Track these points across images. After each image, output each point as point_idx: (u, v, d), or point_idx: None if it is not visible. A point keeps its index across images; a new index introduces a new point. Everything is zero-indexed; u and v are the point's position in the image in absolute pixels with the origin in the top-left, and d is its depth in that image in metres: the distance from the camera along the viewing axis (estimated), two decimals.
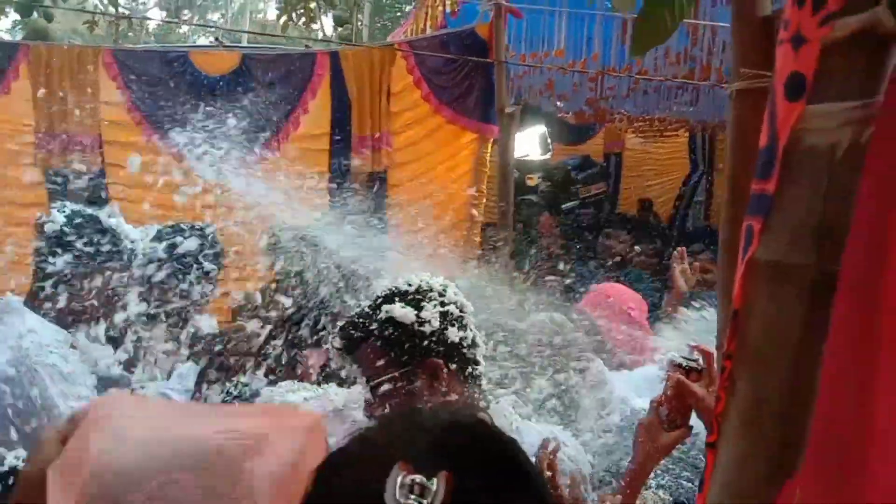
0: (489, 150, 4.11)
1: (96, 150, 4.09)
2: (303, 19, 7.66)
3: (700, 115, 6.40)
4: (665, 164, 8.47)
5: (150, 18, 17.95)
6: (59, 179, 4.12)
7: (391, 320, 1.58)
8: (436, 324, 1.59)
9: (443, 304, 1.62)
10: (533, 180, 4.73)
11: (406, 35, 6.79)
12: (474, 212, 4.11)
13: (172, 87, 4.02)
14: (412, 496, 0.68)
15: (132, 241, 2.35)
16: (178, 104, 4.04)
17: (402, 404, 1.57)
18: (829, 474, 0.73)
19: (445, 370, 1.57)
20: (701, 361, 1.60)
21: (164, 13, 21.15)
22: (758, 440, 0.81)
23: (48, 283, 2.29)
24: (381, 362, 1.57)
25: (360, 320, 1.60)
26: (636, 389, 2.27)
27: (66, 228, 2.26)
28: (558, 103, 6.04)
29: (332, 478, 0.77)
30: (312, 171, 4.41)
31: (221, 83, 4.02)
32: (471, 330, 1.62)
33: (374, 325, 1.58)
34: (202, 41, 23.49)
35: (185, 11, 21.44)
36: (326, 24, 11.60)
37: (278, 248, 4.23)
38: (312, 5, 7.50)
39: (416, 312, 1.59)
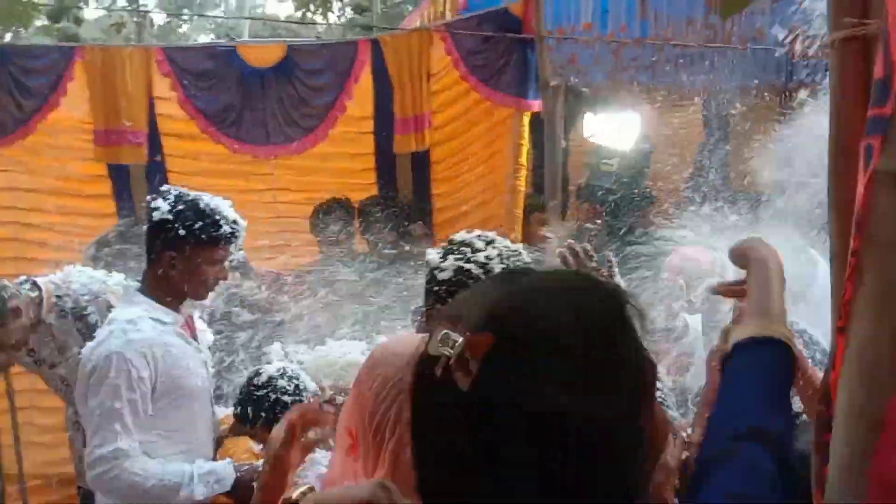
0: (526, 123, 4.28)
1: (155, 142, 4.29)
2: (320, 9, 7.87)
3: (714, 83, 6.51)
4: (679, 133, 8.59)
5: (180, 16, 18.07)
6: (121, 172, 4.33)
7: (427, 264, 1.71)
8: (447, 275, 1.65)
9: (467, 260, 1.65)
10: (611, 166, 4.79)
11: (424, 18, 6.93)
12: (516, 182, 4.28)
13: (222, 79, 4.20)
14: (444, 347, 0.73)
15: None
16: (230, 95, 4.23)
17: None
18: None
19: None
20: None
21: (163, 13, 21.24)
22: (884, 320, 1.00)
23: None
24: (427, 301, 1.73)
25: None
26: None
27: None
28: (572, 78, 6.16)
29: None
30: (359, 152, 4.61)
31: (269, 74, 4.21)
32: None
33: None
34: (203, 38, 23.55)
35: (185, 10, 21.52)
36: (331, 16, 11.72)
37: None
38: None
39: (439, 259, 1.69)
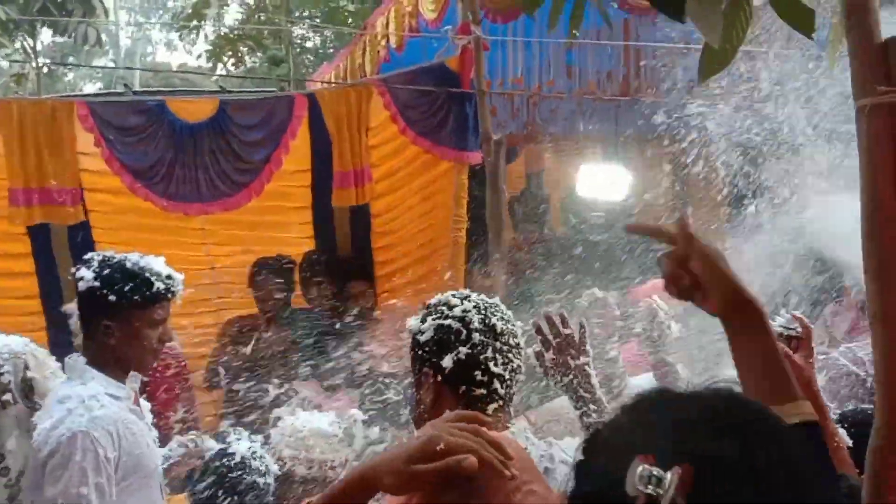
0: (466, 176, 4.32)
1: (77, 201, 4.05)
2: (231, 60, 7.74)
3: (618, 130, 6.83)
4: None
5: (93, 66, 17.21)
6: (40, 231, 4.07)
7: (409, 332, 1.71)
8: (428, 336, 1.65)
9: (445, 317, 1.65)
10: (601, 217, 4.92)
11: (340, 71, 6.94)
12: (458, 235, 4.30)
13: (152, 134, 4.04)
14: (649, 486, 0.72)
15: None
16: (159, 151, 4.07)
17: (416, 412, 1.66)
18: None
19: (435, 383, 1.61)
20: (799, 329, 1.84)
21: (48, 61, 20.33)
22: None
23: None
24: (414, 368, 1.72)
25: None
26: None
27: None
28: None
29: (586, 459, 0.86)
30: (297, 206, 4.52)
31: (201, 128, 4.08)
32: (476, 348, 1.61)
33: None
34: (89, 88, 22.65)
35: (71, 58, 20.71)
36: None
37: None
38: (242, 48, 7.59)
39: (419, 323, 1.68)
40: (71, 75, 21.77)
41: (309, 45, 14.20)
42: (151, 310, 2.26)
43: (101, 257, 2.28)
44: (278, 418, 2.96)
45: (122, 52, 22.45)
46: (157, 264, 2.29)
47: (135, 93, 7.69)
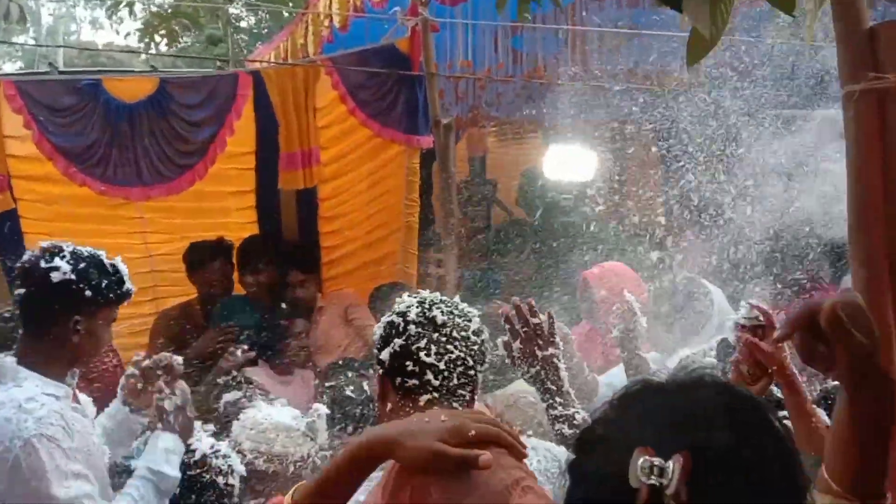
0: (418, 160, 4.26)
1: (5, 188, 3.82)
2: (165, 40, 7.44)
3: (552, 117, 6.88)
4: (525, 164, 8.98)
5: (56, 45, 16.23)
6: None
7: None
8: (377, 333, 1.69)
9: (391, 314, 1.69)
10: (570, 200, 4.87)
11: (280, 51, 6.76)
12: (410, 220, 4.23)
13: (86, 115, 3.83)
14: (652, 477, 0.74)
15: None
16: (95, 132, 3.87)
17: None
18: None
19: (381, 377, 1.66)
20: (761, 318, 1.86)
21: None
22: None
23: None
24: None
25: None
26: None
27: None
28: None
29: (581, 458, 0.86)
30: (240, 189, 4.38)
31: (140, 108, 3.89)
32: (410, 339, 1.63)
33: None
34: (9, 67, 21.62)
35: None
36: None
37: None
38: (176, 26, 7.29)
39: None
40: None
41: (243, 24, 13.82)
42: (114, 310, 2.23)
43: (71, 249, 2.18)
44: (240, 409, 2.89)
45: (44, 30, 21.42)
46: (119, 262, 2.25)
47: (61, 72, 7.32)
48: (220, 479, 2.28)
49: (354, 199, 4.41)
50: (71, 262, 2.14)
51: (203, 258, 4.07)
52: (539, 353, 2.01)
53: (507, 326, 2.07)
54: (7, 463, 1.97)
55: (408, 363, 1.61)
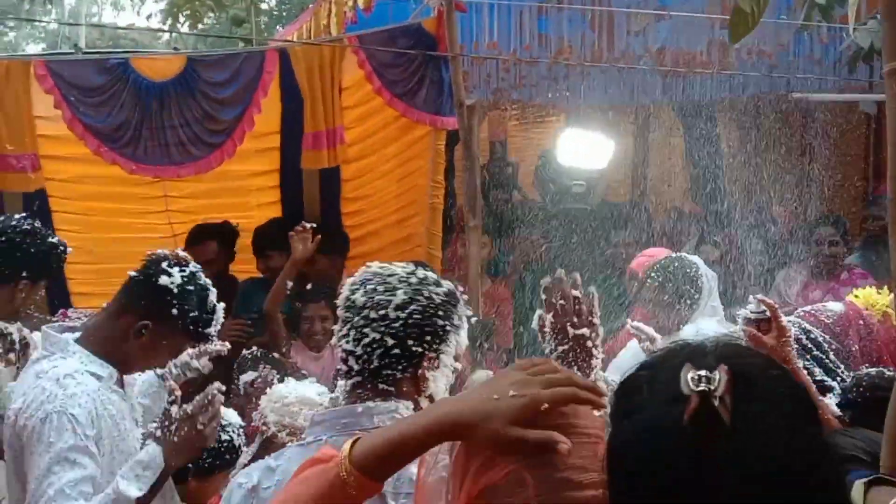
0: (444, 141, 4.24)
1: (37, 166, 3.86)
2: (188, 21, 7.45)
3: (577, 99, 6.83)
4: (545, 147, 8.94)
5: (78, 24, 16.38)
6: None
7: None
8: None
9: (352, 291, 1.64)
10: (582, 186, 4.83)
11: (303, 32, 6.75)
12: (435, 201, 4.23)
13: (116, 95, 3.85)
14: (700, 384, 0.82)
15: None
16: (124, 112, 3.89)
17: None
18: None
19: None
20: (766, 312, 1.85)
21: None
22: None
23: None
24: None
25: None
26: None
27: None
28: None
29: (623, 403, 0.91)
30: (264, 169, 4.39)
31: (169, 87, 3.90)
32: (340, 327, 1.62)
33: None
34: (33, 48, 21.76)
35: (11, 15, 19.79)
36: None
37: None
38: (200, 7, 7.29)
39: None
40: (12, 35, 20.83)
41: (265, 6, 13.83)
42: (186, 341, 2.20)
43: (195, 269, 2.18)
44: (256, 388, 2.93)
45: (66, 12, 21.54)
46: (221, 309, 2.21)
47: (85, 53, 7.37)
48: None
49: (379, 179, 4.41)
50: (185, 278, 2.13)
51: (199, 237, 4.06)
52: (570, 331, 1.86)
53: (544, 298, 1.91)
54: (27, 430, 1.99)
55: (338, 350, 1.61)
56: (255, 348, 3.38)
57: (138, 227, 4.31)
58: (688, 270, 3.03)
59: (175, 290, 2.11)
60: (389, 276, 1.60)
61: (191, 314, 2.12)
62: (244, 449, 2.56)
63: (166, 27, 7.22)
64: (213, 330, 2.18)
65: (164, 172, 3.99)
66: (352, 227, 4.53)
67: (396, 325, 1.56)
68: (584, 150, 5.08)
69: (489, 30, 4.89)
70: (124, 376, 2.26)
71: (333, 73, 4.07)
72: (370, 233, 4.53)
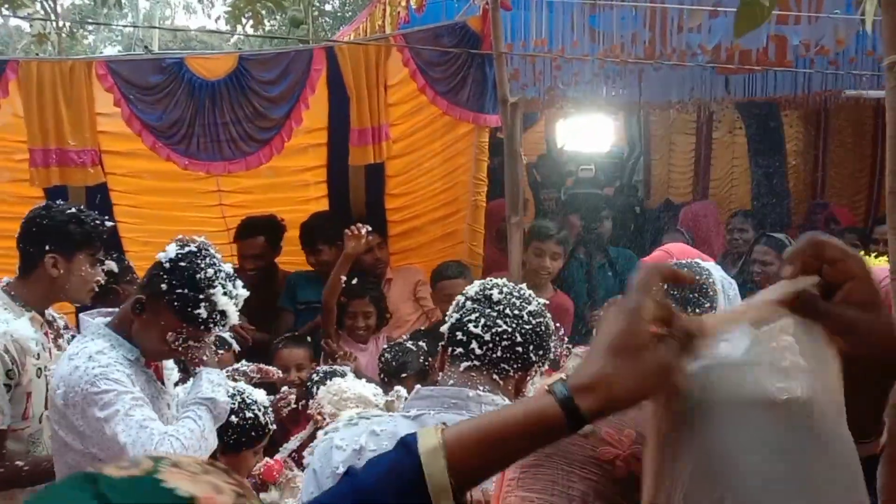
0: (487, 138, 4.27)
1: (96, 161, 4.05)
2: (250, 22, 7.66)
3: (633, 96, 6.74)
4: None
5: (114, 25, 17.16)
6: (57, 194, 4.06)
7: None
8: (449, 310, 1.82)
9: None
10: (590, 170, 4.82)
11: (360, 32, 6.86)
12: (477, 198, 4.26)
13: (171, 93, 4.01)
14: None
15: None
16: (179, 109, 4.05)
17: None
18: None
19: (441, 348, 1.79)
20: None
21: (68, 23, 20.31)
22: None
23: None
24: None
25: None
26: None
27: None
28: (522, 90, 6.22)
29: None
30: (312, 165, 4.50)
31: (221, 85, 4.04)
32: (465, 314, 1.73)
33: None
34: (109, 51, 22.62)
35: (90, 19, 20.65)
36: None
37: None
38: (262, 9, 7.49)
39: None
40: (91, 38, 21.72)
41: (328, 7, 14.08)
42: (197, 331, 2.23)
43: (204, 249, 2.24)
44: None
45: (141, 16, 22.38)
46: (222, 301, 2.21)
47: (153, 53, 7.67)
48: (233, 419, 2.44)
49: (423, 176, 4.47)
50: (180, 255, 2.21)
51: (247, 232, 4.20)
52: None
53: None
54: (78, 407, 2.11)
55: (458, 333, 1.69)
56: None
57: (193, 221, 4.48)
58: (697, 277, 2.96)
59: (166, 265, 2.17)
60: (521, 288, 1.76)
61: (177, 290, 2.14)
62: (272, 427, 2.66)
63: (229, 29, 7.46)
64: (203, 312, 2.16)
65: (214, 168, 4.13)
66: (395, 222, 4.61)
67: (527, 327, 1.68)
68: (585, 135, 5.06)
69: (537, 26, 4.89)
70: (158, 366, 2.37)
71: (379, 71, 4.14)
72: (414, 228, 4.60)
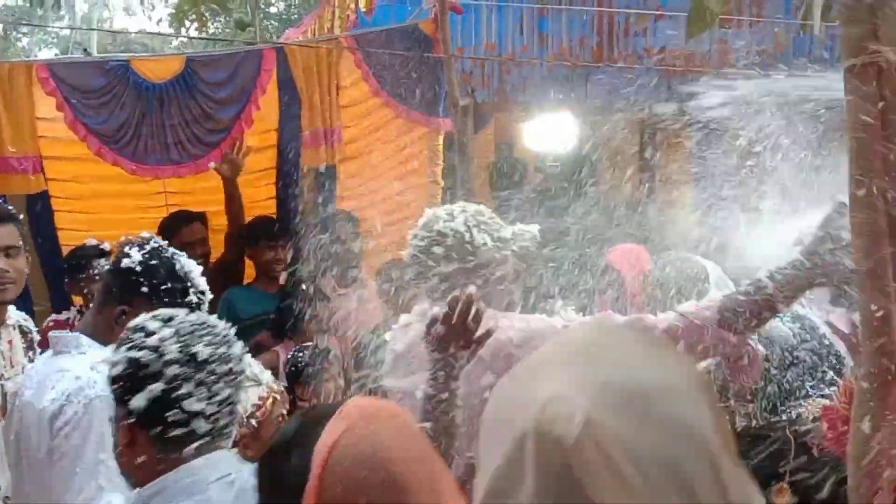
0: (441, 142, 4.28)
1: (38, 169, 3.91)
2: (195, 25, 7.53)
3: (589, 98, 6.84)
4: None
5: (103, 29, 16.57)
6: None
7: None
8: (119, 370, 1.59)
9: (139, 347, 1.57)
10: (557, 167, 4.88)
11: (308, 34, 6.81)
12: (432, 202, 4.26)
13: (116, 96, 3.91)
14: None
15: None
16: (125, 113, 3.95)
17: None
18: None
19: (129, 425, 1.56)
20: None
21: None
22: None
23: None
24: None
25: None
26: None
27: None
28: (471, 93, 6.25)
29: None
30: (262, 167, 4.43)
31: (168, 87, 3.95)
32: (175, 386, 1.53)
33: None
34: (45, 53, 21.96)
35: (24, 21, 20.02)
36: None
37: None
38: (206, 11, 7.37)
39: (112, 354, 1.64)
40: (25, 41, 21.07)
41: (273, 10, 13.93)
42: None
43: (157, 245, 2.16)
44: None
45: (79, 17, 21.75)
46: (198, 275, 2.15)
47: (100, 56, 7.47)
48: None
49: (375, 180, 4.44)
50: (145, 254, 2.14)
51: (184, 220, 4.02)
52: (451, 349, 1.86)
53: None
54: (72, 419, 2.02)
55: (171, 413, 1.45)
56: None
57: (139, 224, 4.33)
58: (689, 273, 2.99)
59: (138, 269, 2.11)
60: (208, 321, 1.62)
61: (162, 287, 2.10)
62: None
63: (173, 32, 7.31)
64: (193, 297, 2.12)
65: (163, 172, 4.04)
66: None
67: (238, 376, 1.58)
68: (548, 134, 5.15)
69: (487, 31, 4.93)
70: None
71: (331, 73, 4.11)
72: (365, 231, 4.56)
